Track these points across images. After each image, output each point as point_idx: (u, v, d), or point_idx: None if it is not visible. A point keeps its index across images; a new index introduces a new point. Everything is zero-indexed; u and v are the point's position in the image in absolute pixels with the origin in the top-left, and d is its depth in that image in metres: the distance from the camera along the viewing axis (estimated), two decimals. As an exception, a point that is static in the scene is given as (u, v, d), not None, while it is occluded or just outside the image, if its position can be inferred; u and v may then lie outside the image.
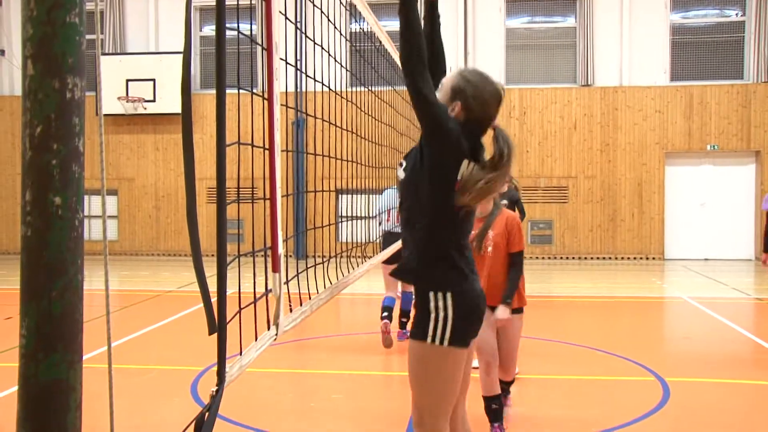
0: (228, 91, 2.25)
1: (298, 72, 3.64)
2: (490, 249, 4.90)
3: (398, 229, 6.41)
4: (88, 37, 1.45)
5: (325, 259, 4.13)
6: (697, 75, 17.88)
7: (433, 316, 2.94)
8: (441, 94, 3.07)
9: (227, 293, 2.30)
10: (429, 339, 2.94)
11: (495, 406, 4.89)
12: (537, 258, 18.11)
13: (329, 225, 4.45)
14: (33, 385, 1.34)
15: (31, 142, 1.34)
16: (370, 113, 5.96)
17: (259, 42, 2.77)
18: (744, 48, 17.81)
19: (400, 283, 7.98)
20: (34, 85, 1.33)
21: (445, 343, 2.94)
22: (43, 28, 1.32)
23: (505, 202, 7.95)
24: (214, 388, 2.22)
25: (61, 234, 1.34)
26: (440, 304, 2.93)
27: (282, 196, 2.83)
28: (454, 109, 3.02)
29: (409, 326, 7.84)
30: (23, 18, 1.34)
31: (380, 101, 6.55)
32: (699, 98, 17.69)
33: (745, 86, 17.60)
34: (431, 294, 2.95)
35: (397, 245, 4.89)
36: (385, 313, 7.72)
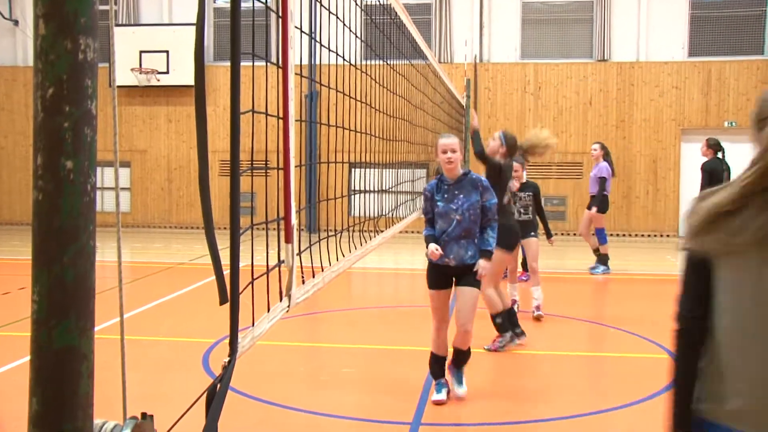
0: (242, 63, 2.21)
1: (313, 42, 3.60)
2: None
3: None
4: (101, 8, 1.43)
5: (337, 233, 4.11)
6: (716, 50, 17.61)
7: None
8: None
9: (239, 265, 2.28)
10: None
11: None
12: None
13: (342, 197, 4.43)
14: (45, 352, 1.32)
15: (43, 105, 1.31)
16: (385, 86, 5.91)
17: (274, 9, 2.73)
18: (765, 23, 17.54)
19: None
20: (45, 46, 1.30)
21: None
22: (55, -14, 1.29)
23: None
24: (226, 359, 2.21)
25: (73, 199, 1.32)
26: None
27: (295, 167, 2.80)
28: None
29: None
30: (34, -23, 1.31)
31: (395, 74, 6.49)
32: (717, 74, 17.46)
33: (766, 62, 17.34)
34: None
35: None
36: None
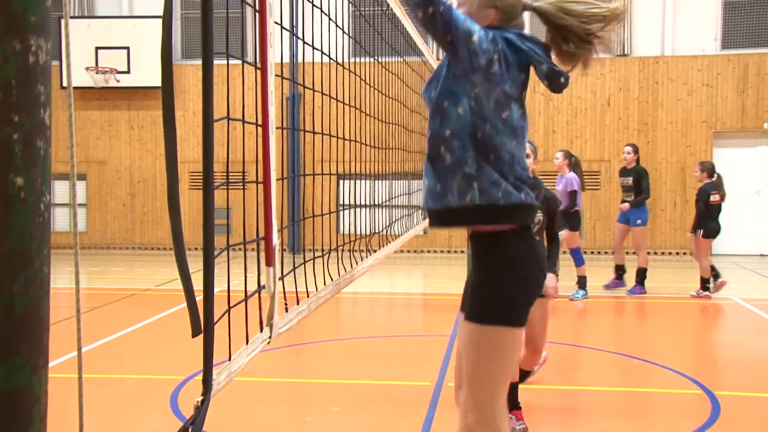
0: (215, 62, 2.23)
1: (295, 38, 3.63)
2: None
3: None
4: (52, -3, 1.44)
5: (324, 253, 4.12)
6: (754, 42, 17.66)
7: None
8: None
9: (214, 291, 2.28)
10: None
11: None
12: (563, 252, 18.00)
13: (329, 213, 4.44)
14: (-10, 394, 1.32)
15: (-12, 114, 1.32)
16: (376, 87, 5.94)
17: (250, 2, 2.75)
18: (806, 12, 17.68)
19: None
20: (-10, 47, 1.31)
21: None
22: (-1, -20, 1.30)
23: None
24: (200, 398, 2.21)
25: (25, 220, 1.32)
26: None
27: (276, 180, 2.81)
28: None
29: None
30: (-23, -32, 1.32)
31: (388, 73, 6.52)
32: (755, 69, 17.53)
33: (809, 56, 17.48)
34: None
35: None
36: None
